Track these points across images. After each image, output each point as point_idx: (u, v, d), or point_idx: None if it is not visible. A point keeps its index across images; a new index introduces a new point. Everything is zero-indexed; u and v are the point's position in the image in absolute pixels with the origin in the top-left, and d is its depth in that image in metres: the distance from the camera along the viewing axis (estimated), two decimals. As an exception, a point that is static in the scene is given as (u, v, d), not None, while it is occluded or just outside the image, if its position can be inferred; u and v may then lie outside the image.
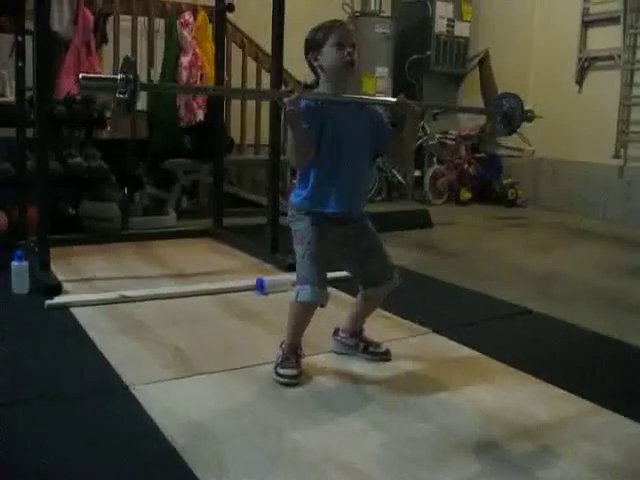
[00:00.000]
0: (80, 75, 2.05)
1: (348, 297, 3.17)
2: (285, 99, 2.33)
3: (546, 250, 5.43)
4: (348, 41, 2.47)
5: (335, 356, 2.78)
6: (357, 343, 2.77)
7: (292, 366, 2.53)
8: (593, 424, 2.28)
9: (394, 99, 2.59)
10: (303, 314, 2.55)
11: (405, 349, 2.87)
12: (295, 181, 2.61)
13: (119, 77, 2.09)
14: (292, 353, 2.57)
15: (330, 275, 2.59)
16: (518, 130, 2.89)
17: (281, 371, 2.52)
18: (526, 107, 2.82)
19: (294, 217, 2.56)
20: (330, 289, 2.61)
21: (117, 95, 2.09)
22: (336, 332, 2.82)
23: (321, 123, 2.44)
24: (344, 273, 2.85)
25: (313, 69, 2.54)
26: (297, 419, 2.23)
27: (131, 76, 2.08)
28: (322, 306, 2.52)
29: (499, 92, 7.97)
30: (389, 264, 2.66)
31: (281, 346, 2.59)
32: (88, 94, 1.95)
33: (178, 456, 1.95)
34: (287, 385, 2.48)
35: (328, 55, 2.46)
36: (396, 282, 2.67)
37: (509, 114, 2.80)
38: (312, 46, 2.50)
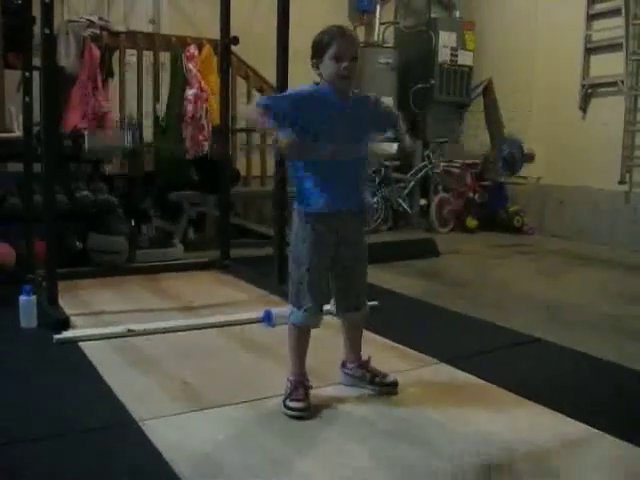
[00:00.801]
0: None
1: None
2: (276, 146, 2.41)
3: (553, 277, 5.42)
4: (347, 54, 2.50)
5: (343, 388, 2.76)
6: (364, 374, 2.76)
7: (300, 399, 2.52)
8: (605, 454, 2.26)
9: (393, 150, 2.66)
10: (297, 334, 2.60)
11: (414, 380, 2.86)
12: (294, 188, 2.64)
13: None
14: (299, 385, 2.56)
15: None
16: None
17: (290, 404, 2.51)
18: (526, 149, 2.89)
19: (296, 226, 2.60)
20: (334, 319, 2.63)
21: None
22: (344, 364, 2.80)
23: (312, 122, 2.48)
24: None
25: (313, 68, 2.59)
26: (306, 452, 2.22)
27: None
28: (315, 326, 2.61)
29: (502, 120, 8.04)
30: (362, 294, 2.71)
31: (289, 379, 2.58)
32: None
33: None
34: (296, 418, 2.46)
35: (326, 66, 2.51)
36: (366, 311, 2.74)
37: (509, 160, 2.88)
38: (315, 53, 2.55)
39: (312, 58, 2.56)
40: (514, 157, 2.90)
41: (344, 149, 2.54)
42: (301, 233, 2.57)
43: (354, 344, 2.78)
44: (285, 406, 2.51)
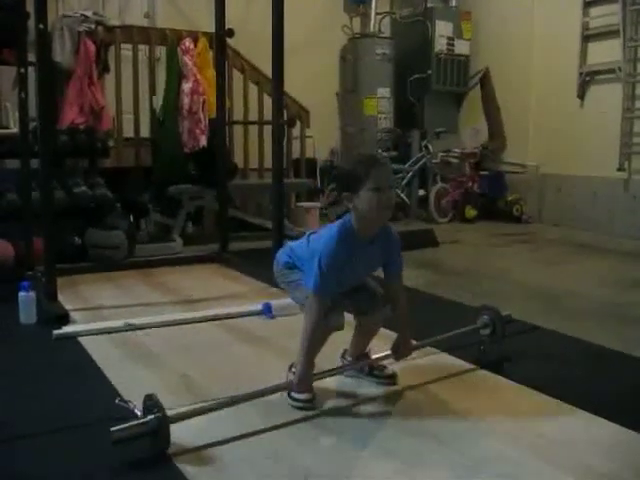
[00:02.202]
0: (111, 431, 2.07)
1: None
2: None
3: (552, 266, 5.41)
4: (386, 184, 2.40)
5: (343, 379, 2.76)
6: (363, 366, 2.76)
7: (306, 389, 2.52)
8: (606, 440, 2.26)
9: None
10: (323, 334, 2.52)
11: (415, 370, 2.85)
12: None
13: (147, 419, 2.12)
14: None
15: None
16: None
17: (296, 395, 2.50)
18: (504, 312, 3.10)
19: (284, 273, 2.65)
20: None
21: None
22: (344, 355, 2.80)
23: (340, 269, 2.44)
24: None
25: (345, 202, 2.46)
26: (307, 445, 2.22)
27: (159, 414, 2.11)
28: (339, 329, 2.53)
29: (500, 109, 8.02)
30: (377, 293, 2.66)
31: (290, 370, 2.57)
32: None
33: (189, 484, 1.95)
34: (303, 409, 2.46)
35: (365, 199, 2.38)
36: (387, 312, 2.66)
37: (491, 328, 3.08)
38: (347, 186, 2.42)
39: (343, 191, 2.43)
40: (495, 324, 3.00)
41: (359, 277, 2.60)
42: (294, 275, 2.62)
43: (363, 343, 2.77)
44: (291, 398, 2.50)
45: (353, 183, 2.40)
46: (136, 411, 2.15)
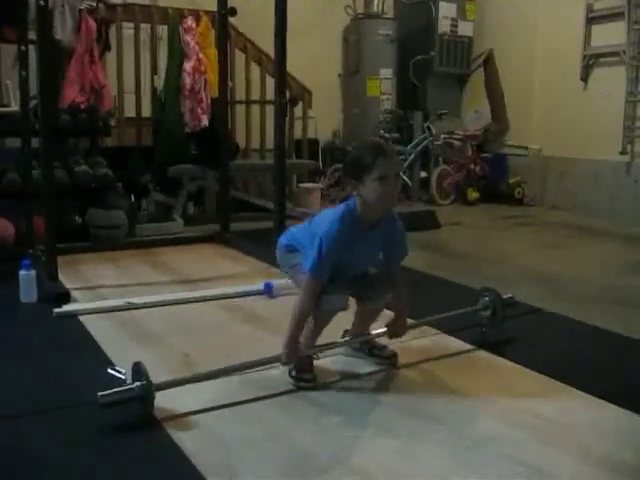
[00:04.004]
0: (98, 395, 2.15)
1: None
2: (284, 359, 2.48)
3: (554, 249, 5.40)
4: (392, 172, 2.38)
5: (344, 359, 2.76)
6: (363, 346, 2.76)
7: (307, 369, 2.53)
8: (606, 422, 2.27)
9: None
10: (326, 318, 2.54)
11: (415, 350, 2.86)
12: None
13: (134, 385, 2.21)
14: (305, 356, 2.55)
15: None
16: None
17: (297, 375, 2.51)
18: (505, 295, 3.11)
19: (287, 257, 2.64)
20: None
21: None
22: (344, 336, 2.80)
23: (339, 253, 2.43)
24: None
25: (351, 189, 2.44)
26: (306, 424, 2.22)
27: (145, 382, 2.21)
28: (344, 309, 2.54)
29: (503, 91, 7.98)
30: (379, 281, 2.65)
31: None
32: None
33: (190, 463, 1.95)
34: (304, 389, 2.47)
35: (370, 188, 2.36)
36: (388, 299, 2.65)
37: (491, 310, 3.09)
38: (353, 174, 2.40)
39: (349, 177, 2.42)
40: (496, 307, 3.01)
41: (360, 263, 2.58)
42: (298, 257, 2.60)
43: (364, 325, 2.76)
44: (292, 377, 2.51)
45: (359, 171, 2.38)
46: (124, 377, 2.26)
